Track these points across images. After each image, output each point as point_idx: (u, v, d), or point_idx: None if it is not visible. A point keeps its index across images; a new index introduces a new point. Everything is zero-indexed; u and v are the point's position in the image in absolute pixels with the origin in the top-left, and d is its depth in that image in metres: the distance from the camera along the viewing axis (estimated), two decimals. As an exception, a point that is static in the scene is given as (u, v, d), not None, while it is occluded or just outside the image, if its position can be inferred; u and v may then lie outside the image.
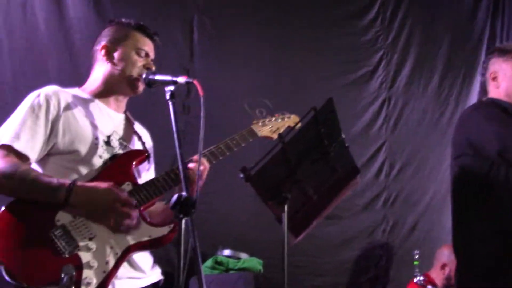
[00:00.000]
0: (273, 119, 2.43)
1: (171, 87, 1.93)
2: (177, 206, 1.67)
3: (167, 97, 1.93)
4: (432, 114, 4.97)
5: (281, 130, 2.39)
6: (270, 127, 2.39)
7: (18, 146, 1.93)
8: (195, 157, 2.09)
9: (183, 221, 1.67)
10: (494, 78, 2.66)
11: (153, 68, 2.22)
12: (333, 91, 4.58)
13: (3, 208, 1.87)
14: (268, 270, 3.87)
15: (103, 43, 2.23)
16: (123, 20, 2.29)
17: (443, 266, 4.16)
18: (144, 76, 2.10)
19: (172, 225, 1.96)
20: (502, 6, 5.15)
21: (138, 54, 2.20)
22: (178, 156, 1.78)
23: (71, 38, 3.92)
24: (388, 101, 4.89)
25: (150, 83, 2.09)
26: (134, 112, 2.38)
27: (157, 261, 2.23)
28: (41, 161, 2.02)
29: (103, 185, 1.91)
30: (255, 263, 3.82)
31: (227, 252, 3.87)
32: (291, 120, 2.45)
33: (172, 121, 1.86)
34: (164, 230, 1.96)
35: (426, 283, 3.64)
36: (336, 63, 4.79)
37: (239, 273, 3.69)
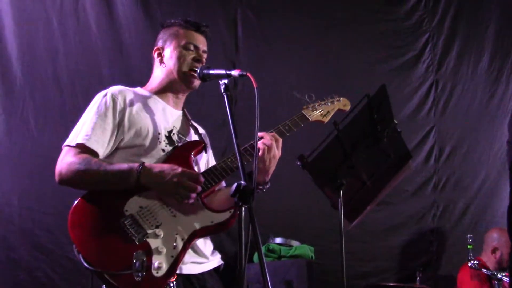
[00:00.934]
0: (323, 103, 2.43)
1: (225, 80, 1.99)
2: (237, 194, 1.73)
3: (222, 90, 1.99)
4: (482, 96, 4.89)
5: (332, 114, 2.39)
6: (320, 111, 2.39)
7: (90, 143, 2.07)
8: (260, 134, 2.14)
9: (243, 209, 1.74)
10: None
11: (204, 59, 2.29)
12: (379, 77, 4.57)
13: (77, 200, 2.02)
14: (320, 257, 3.92)
15: (156, 46, 2.36)
16: (172, 20, 2.38)
17: (494, 250, 4.10)
18: (198, 71, 2.18)
19: (232, 210, 2.04)
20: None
21: (186, 48, 2.29)
22: (235, 146, 1.83)
23: (120, 37, 4.06)
24: (436, 84, 4.83)
25: (204, 78, 2.16)
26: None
27: (212, 250, 2.31)
28: (109, 155, 2.15)
29: (168, 164, 2.04)
30: (307, 250, 3.87)
31: (278, 240, 3.93)
32: (341, 103, 2.44)
33: (228, 113, 1.92)
34: (225, 215, 2.05)
35: (480, 267, 3.60)
36: (380, 49, 4.76)
37: (291, 260, 3.75)
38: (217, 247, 2.37)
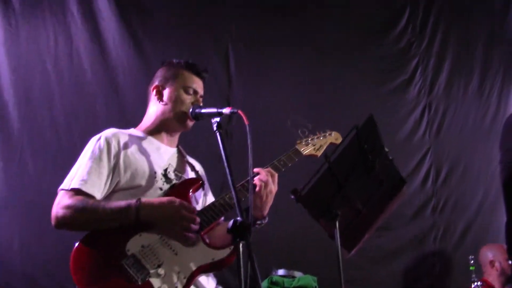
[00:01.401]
0: (315, 137, 2.51)
1: (217, 119, 2.05)
2: (234, 230, 1.76)
3: (214, 128, 2.04)
4: (475, 115, 4.93)
5: (324, 148, 2.47)
6: (313, 146, 2.46)
7: (86, 188, 2.10)
8: (256, 169, 2.19)
9: (241, 245, 1.76)
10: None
11: (201, 104, 2.34)
12: (371, 102, 4.62)
13: (78, 243, 2.03)
14: (323, 286, 3.89)
15: (155, 83, 2.41)
16: (174, 60, 2.45)
17: (491, 264, 4.09)
18: (190, 111, 2.24)
19: (232, 247, 2.07)
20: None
21: (186, 92, 2.35)
22: (230, 183, 1.87)
23: (116, 78, 4.13)
24: (429, 107, 4.88)
25: (197, 117, 2.23)
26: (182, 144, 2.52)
27: (214, 285, 2.32)
28: (106, 198, 2.18)
29: (166, 197, 2.07)
30: (310, 280, 3.85)
31: (281, 271, 3.93)
32: (333, 137, 2.54)
33: (221, 150, 1.96)
34: (225, 252, 2.08)
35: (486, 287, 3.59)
36: (372, 74, 4.81)
37: (295, 291, 3.73)
38: (220, 282, 2.38)
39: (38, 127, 3.88)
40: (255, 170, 2.18)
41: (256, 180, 2.16)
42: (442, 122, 4.86)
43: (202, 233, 2.11)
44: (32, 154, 3.79)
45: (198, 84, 2.40)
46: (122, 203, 2.04)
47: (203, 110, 2.18)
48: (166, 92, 2.36)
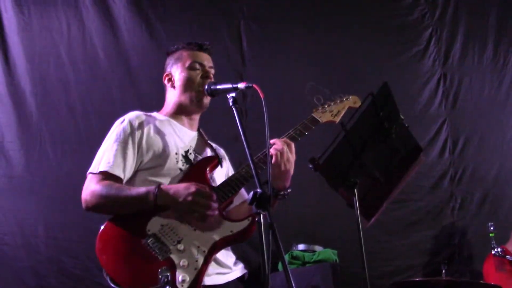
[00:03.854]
0: (332, 103, 2.46)
1: (233, 94, 2.05)
2: (254, 202, 1.77)
3: (230, 103, 2.04)
4: (490, 85, 4.89)
5: (342, 113, 2.40)
6: (331, 112, 2.41)
7: (113, 170, 2.15)
8: (272, 140, 2.18)
9: (261, 216, 1.78)
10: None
11: (212, 75, 2.36)
12: (386, 74, 4.59)
13: (102, 226, 2.09)
14: (343, 259, 3.91)
15: (165, 72, 2.45)
16: (175, 46, 2.48)
17: None
18: (206, 87, 2.25)
19: (250, 218, 2.08)
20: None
21: (193, 68, 2.37)
22: (248, 156, 1.88)
23: (129, 61, 4.16)
24: (444, 77, 4.85)
25: (212, 93, 2.24)
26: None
27: (236, 261, 2.35)
28: (130, 177, 2.23)
29: (184, 184, 2.10)
30: (330, 254, 3.88)
31: (301, 246, 3.96)
32: (351, 101, 2.46)
33: (238, 125, 1.97)
34: (244, 224, 2.10)
35: (504, 254, 3.58)
36: (385, 46, 4.79)
37: (315, 265, 3.76)
38: (241, 258, 2.41)
39: (55, 113, 3.94)
40: (271, 141, 2.18)
41: (271, 150, 2.16)
42: (458, 92, 4.83)
43: (220, 208, 2.13)
44: (51, 140, 3.85)
45: (203, 57, 2.40)
46: (142, 189, 2.09)
47: (218, 86, 2.19)
48: (175, 78, 2.39)
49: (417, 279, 3.81)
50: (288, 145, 2.19)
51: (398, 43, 4.83)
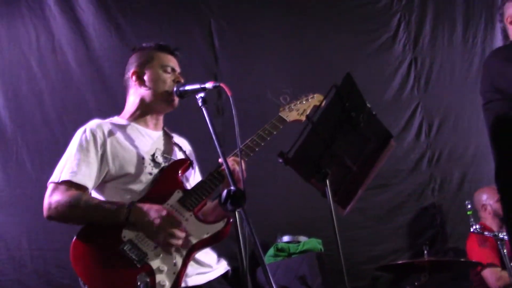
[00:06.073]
0: (298, 102, 2.52)
1: (202, 94, 2.08)
2: (228, 200, 1.79)
3: (200, 103, 2.07)
4: (461, 65, 4.97)
5: (308, 111, 2.45)
6: (297, 111, 2.47)
7: (77, 179, 2.14)
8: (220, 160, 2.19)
9: (237, 213, 1.80)
10: (512, 22, 2.68)
11: (182, 81, 2.37)
12: (358, 63, 4.66)
13: (74, 238, 2.07)
14: (329, 248, 3.94)
15: (132, 70, 2.42)
16: (144, 44, 2.47)
17: (484, 207, 4.17)
18: (175, 89, 2.27)
19: (225, 219, 2.11)
20: None
21: (165, 71, 2.38)
22: (220, 154, 1.91)
23: (101, 67, 4.14)
24: (415, 61, 4.91)
25: (182, 95, 2.26)
26: (170, 125, 2.55)
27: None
28: (99, 188, 2.23)
29: (157, 206, 2.08)
30: (315, 243, 3.91)
31: (286, 238, 3.98)
32: (316, 99, 2.52)
33: (208, 125, 2.00)
34: (220, 225, 2.11)
35: (482, 230, 3.66)
36: (355, 35, 4.83)
37: (301, 256, 3.79)
38: (226, 254, 2.43)
39: (30, 124, 3.91)
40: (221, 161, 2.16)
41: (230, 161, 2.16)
42: (429, 75, 4.90)
43: (195, 211, 2.14)
44: (27, 151, 3.83)
45: (174, 62, 2.42)
46: (114, 204, 2.08)
47: (187, 87, 2.21)
48: (146, 76, 2.37)
49: (400, 262, 3.87)
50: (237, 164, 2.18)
51: (368, 31, 4.87)
